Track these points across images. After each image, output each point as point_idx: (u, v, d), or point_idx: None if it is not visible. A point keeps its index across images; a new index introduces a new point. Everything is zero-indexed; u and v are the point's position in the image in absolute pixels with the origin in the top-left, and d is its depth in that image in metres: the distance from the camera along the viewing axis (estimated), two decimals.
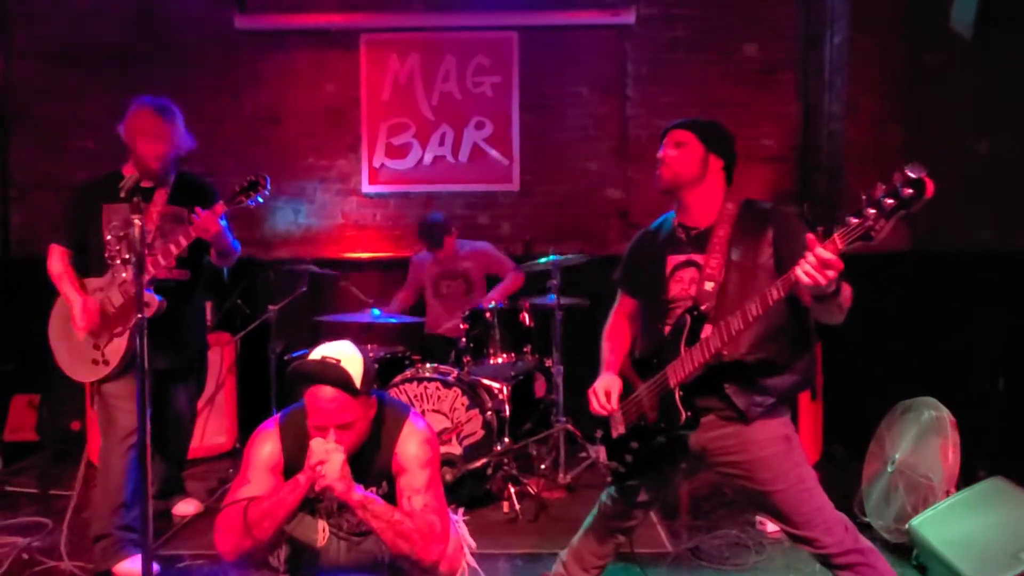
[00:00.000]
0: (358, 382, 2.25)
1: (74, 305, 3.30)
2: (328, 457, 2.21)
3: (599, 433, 2.65)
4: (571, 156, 5.83)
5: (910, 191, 1.84)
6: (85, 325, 3.28)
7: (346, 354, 2.25)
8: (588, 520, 2.82)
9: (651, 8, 5.70)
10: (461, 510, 2.71)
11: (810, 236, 2.00)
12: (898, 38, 4.97)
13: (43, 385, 5.01)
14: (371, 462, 2.39)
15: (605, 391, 2.54)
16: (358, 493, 2.25)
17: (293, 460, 2.32)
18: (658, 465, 2.54)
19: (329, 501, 2.35)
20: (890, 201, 1.86)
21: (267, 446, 2.36)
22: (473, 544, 2.58)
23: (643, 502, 2.65)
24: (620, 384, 2.55)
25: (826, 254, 1.95)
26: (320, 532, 2.38)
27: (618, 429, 2.56)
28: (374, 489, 2.37)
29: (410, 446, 2.38)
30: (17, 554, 3.48)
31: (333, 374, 2.22)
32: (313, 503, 2.36)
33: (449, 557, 2.34)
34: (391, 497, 2.37)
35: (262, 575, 2.37)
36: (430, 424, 2.52)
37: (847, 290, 2.14)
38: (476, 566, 2.53)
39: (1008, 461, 3.53)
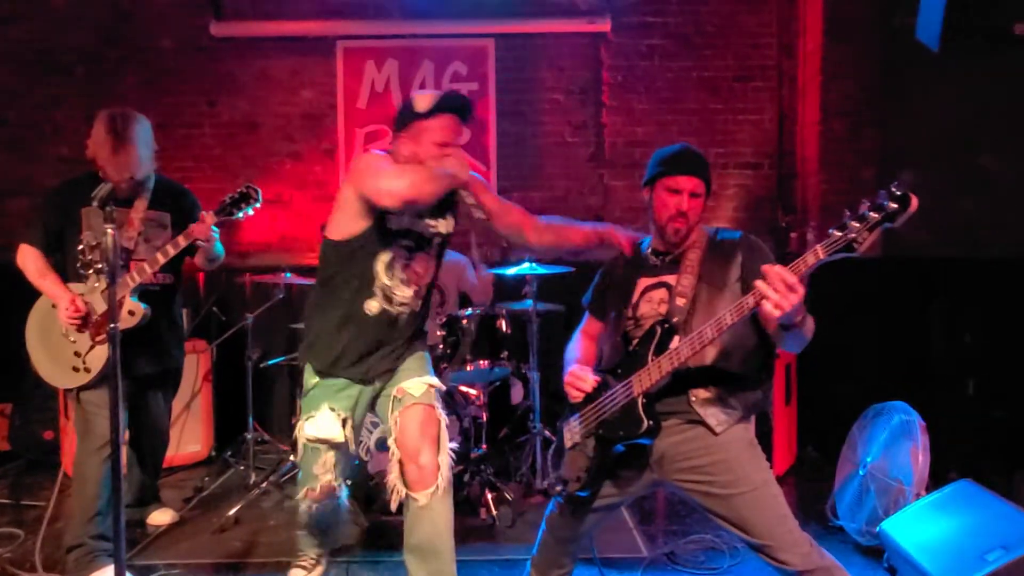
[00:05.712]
0: None
1: (60, 300, 3.24)
2: None
3: (552, 445, 2.63)
4: (548, 163, 5.86)
5: (894, 205, 1.88)
6: (72, 317, 3.20)
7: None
8: (540, 532, 2.79)
9: (627, 16, 5.75)
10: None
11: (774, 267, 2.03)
12: (871, 46, 5.05)
13: (16, 394, 4.94)
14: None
15: (582, 374, 2.52)
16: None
17: None
18: (615, 474, 2.50)
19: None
20: (874, 215, 1.91)
21: None
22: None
23: (595, 509, 2.59)
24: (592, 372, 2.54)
25: (791, 277, 1.98)
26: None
27: (574, 439, 2.54)
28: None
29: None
30: None
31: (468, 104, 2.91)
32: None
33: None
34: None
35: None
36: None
37: (811, 322, 2.17)
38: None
39: (977, 463, 3.58)
